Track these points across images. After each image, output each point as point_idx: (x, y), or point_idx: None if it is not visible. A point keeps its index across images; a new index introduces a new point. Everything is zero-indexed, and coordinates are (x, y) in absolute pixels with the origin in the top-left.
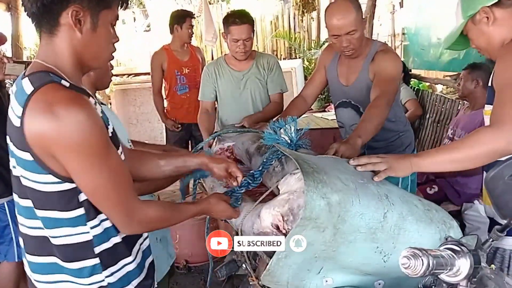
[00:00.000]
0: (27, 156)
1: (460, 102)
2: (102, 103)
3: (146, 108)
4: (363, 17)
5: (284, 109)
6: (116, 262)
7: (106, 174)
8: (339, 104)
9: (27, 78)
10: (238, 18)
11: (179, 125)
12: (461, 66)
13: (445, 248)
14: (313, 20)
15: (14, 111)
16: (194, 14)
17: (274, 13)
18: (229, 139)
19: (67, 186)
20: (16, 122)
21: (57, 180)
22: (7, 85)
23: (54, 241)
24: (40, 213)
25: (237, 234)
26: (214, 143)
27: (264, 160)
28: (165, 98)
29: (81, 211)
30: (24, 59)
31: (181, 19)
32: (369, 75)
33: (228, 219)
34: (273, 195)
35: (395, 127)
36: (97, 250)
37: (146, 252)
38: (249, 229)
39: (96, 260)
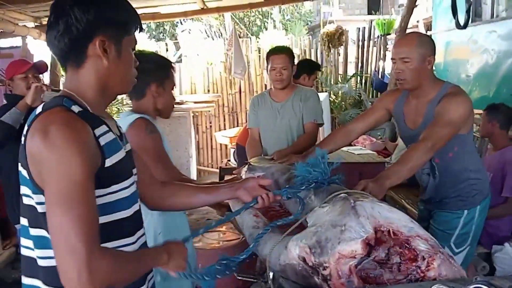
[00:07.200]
0: (25, 173)
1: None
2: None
3: (174, 137)
4: (426, 58)
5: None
6: None
7: (76, 212)
8: None
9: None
10: (277, 49)
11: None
12: None
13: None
14: (339, 55)
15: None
16: None
17: (302, 47)
18: (259, 169)
19: None
20: (23, 140)
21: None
22: None
23: (41, 263)
24: (33, 231)
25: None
26: (244, 173)
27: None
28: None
29: None
30: (61, 86)
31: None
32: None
33: (177, 271)
34: (301, 228)
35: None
36: None
37: None
38: (275, 260)
39: None
